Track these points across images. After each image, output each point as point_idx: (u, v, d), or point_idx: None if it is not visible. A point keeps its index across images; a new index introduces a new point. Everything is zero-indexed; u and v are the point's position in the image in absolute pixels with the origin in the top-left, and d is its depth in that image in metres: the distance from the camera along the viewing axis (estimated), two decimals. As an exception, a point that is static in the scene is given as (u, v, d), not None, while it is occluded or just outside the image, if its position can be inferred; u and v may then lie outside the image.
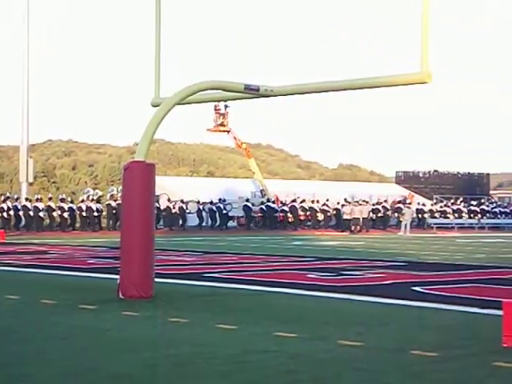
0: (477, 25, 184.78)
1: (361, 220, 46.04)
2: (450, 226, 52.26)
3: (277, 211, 47.51)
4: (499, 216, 57.98)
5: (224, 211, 46.61)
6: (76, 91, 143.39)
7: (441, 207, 55.98)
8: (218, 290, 13.27)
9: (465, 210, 56.52)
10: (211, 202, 46.73)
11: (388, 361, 7.35)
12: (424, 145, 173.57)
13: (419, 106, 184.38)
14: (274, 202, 48.57)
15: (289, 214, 47.70)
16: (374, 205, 50.76)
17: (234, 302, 11.83)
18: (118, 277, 12.27)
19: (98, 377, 6.67)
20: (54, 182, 74.75)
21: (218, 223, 46.05)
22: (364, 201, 48.61)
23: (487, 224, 54.34)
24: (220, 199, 47.22)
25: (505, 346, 7.99)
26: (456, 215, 54.93)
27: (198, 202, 46.53)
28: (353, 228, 45.40)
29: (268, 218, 47.45)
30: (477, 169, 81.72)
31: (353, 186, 62.39)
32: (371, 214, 49.09)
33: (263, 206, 47.62)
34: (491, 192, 72.43)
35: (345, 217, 46.46)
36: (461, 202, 57.62)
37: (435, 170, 67.62)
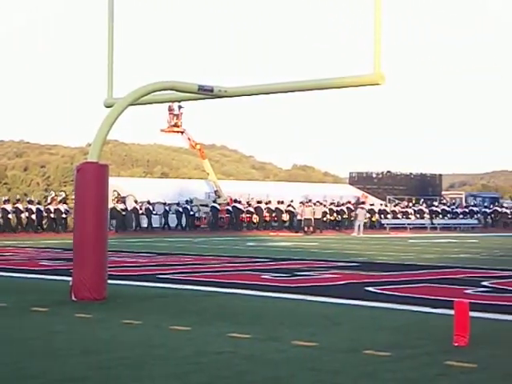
0: (430, 29, 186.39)
1: (313, 221, 46.16)
2: (402, 226, 52.66)
3: (243, 212, 47.64)
4: (461, 216, 58.65)
5: (191, 212, 46.70)
6: (28, 91, 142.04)
7: (402, 208, 56.51)
8: (171, 292, 13.23)
9: (426, 210, 57.27)
10: (178, 204, 46.78)
11: (341, 361, 7.38)
12: (377, 146, 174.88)
13: (373, 108, 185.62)
14: (235, 202, 48.59)
15: (254, 215, 47.98)
16: (338, 205, 51.34)
17: (187, 304, 11.80)
18: (70, 279, 12.18)
19: (50, 380, 6.60)
20: (5, 184, 73.90)
21: (184, 224, 46.18)
22: (318, 201, 48.82)
23: (439, 224, 54.88)
24: (187, 200, 47.34)
25: (456, 345, 8.08)
26: (418, 216, 55.62)
27: (165, 204, 46.57)
28: (306, 229, 45.54)
29: (234, 218, 47.66)
30: (429, 170, 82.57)
31: (307, 186, 62.60)
32: (337, 214, 49.65)
33: (229, 207, 47.78)
34: (443, 193, 73.13)
35: (298, 217, 46.65)
36: (422, 202, 58.28)
37: (388, 171, 68.09)
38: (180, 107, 49.53)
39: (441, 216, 57.45)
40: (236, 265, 19.21)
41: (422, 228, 53.00)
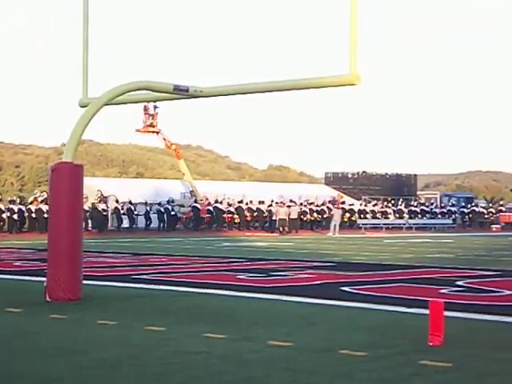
0: (403, 30, 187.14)
1: (287, 221, 46.20)
2: (378, 226, 52.85)
3: (224, 212, 47.68)
4: (439, 216, 59.03)
5: (172, 212, 46.66)
6: (1, 91, 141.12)
7: (382, 208, 56.83)
8: (147, 292, 13.19)
9: (405, 210, 57.71)
10: (159, 204, 46.75)
11: (317, 361, 7.39)
12: (353, 146, 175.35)
13: (348, 108, 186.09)
14: (217, 203, 48.65)
15: (235, 215, 48.08)
16: (318, 206, 51.54)
17: (163, 304, 11.76)
18: (45, 279, 12.11)
19: (25, 381, 6.56)
20: (-21, 184, 73.45)
21: (165, 225, 46.23)
22: (292, 201, 48.89)
23: (415, 224, 55.11)
24: (168, 201, 47.36)
25: (431, 344, 8.11)
26: (397, 216, 55.98)
27: (146, 204, 46.56)
28: (281, 229, 45.57)
29: (216, 218, 47.74)
30: (404, 170, 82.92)
31: (282, 186, 62.68)
32: (318, 214, 50.04)
33: (211, 208, 47.85)
34: (418, 193, 73.47)
35: (274, 218, 46.70)
36: (402, 202, 58.60)
37: (364, 171, 68.33)
38: (155, 107, 49.44)
39: (420, 216, 57.87)
40: (211, 265, 19.19)
41: (398, 228, 53.19)
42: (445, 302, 8.65)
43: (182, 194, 51.86)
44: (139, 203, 46.48)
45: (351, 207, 54.70)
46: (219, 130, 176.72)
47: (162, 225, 45.84)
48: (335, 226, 45.38)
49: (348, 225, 52.27)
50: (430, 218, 58.46)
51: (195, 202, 48.06)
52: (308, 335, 8.89)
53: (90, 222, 42.53)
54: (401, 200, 59.56)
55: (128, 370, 6.96)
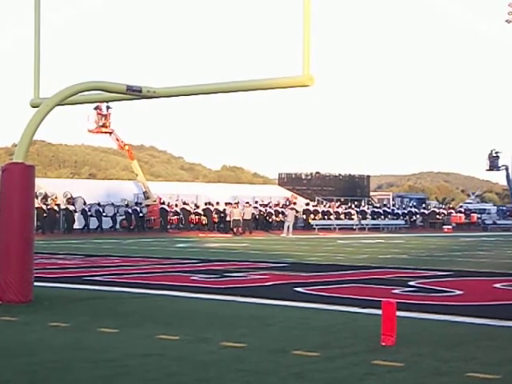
0: (360, 34, 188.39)
1: (241, 221, 46.22)
2: (331, 226, 53.08)
3: (191, 213, 47.58)
4: (402, 217, 59.57)
5: (140, 214, 46.60)
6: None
7: (345, 209, 57.22)
8: (100, 294, 13.10)
9: (369, 211, 58.25)
10: (126, 205, 46.65)
11: (270, 361, 7.40)
12: (306, 147, 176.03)
13: (302, 109, 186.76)
14: (184, 204, 48.59)
15: (203, 217, 48.12)
16: (272, 206, 51.82)
17: (116, 306, 11.70)
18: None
19: (-26, 384, 6.47)
20: None
21: (133, 226, 46.14)
22: (247, 202, 48.93)
23: (367, 225, 55.47)
24: (136, 202, 47.34)
25: (383, 344, 8.17)
26: (360, 216, 56.43)
27: (113, 205, 46.38)
28: (235, 230, 45.58)
29: (184, 219, 47.82)
30: (357, 171, 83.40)
31: (236, 187, 62.70)
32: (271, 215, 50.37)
33: (178, 209, 47.84)
34: (371, 194, 73.95)
35: (227, 218, 46.69)
36: (366, 203, 59.11)
37: (317, 172, 68.57)
38: (108, 107, 49.13)
39: (383, 217, 58.46)
40: (165, 266, 19.12)
41: (351, 229, 53.50)
42: (397, 303, 8.72)
43: (135, 195, 51.59)
44: (107, 204, 46.34)
45: (316, 208, 55.21)
46: (173, 130, 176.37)
47: (129, 226, 45.91)
48: (289, 226, 45.48)
49: (307, 225, 52.61)
50: (392, 219, 58.96)
51: (162, 203, 48.18)
52: (262, 336, 8.90)
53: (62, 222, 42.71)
54: (364, 200, 60.19)
55: (80, 372, 6.90)
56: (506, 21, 79.80)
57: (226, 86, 13.03)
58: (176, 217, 47.89)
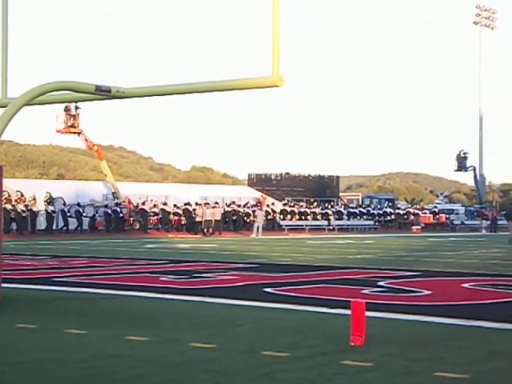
0: (330, 35, 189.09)
1: (213, 222, 46.23)
2: (301, 227, 53.19)
3: (170, 214, 47.52)
4: (374, 217, 59.90)
5: (120, 215, 46.48)
6: None
7: (322, 209, 57.46)
8: (68, 295, 13.02)
9: (345, 211, 58.58)
10: (106, 206, 46.48)
11: (240, 362, 7.39)
12: (276, 148, 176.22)
13: (272, 110, 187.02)
14: (164, 205, 48.48)
15: (182, 217, 48.10)
16: (241, 207, 51.90)
17: (84, 307, 11.63)
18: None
19: None
20: None
21: (113, 226, 46.04)
22: (216, 203, 48.92)
23: (337, 225, 55.64)
24: (116, 203, 47.28)
25: (352, 344, 8.19)
26: (337, 216, 56.75)
27: (92, 205, 46.30)
28: (205, 230, 45.56)
29: (163, 220, 47.73)
30: (327, 171, 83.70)
31: (206, 188, 62.64)
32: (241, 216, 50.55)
33: (156, 210, 47.78)
34: (341, 194, 74.19)
35: (197, 219, 46.63)
36: (341, 204, 59.38)
37: (287, 173, 68.68)
38: (77, 108, 48.90)
39: (358, 217, 58.77)
40: (134, 267, 19.05)
41: (320, 229, 53.63)
42: (366, 303, 8.75)
43: (104, 196, 51.37)
44: (88, 205, 46.25)
45: (293, 209, 55.52)
46: (142, 131, 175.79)
47: (109, 226, 45.92)
48: (258, 227, 45.53)
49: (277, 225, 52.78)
50: (368, 220, 59.29)
51: (142, 203, 48.08)
52: (231, 337, 8.89)
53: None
54: (339, 201, 60.52)
55: (48, 373, 6.85)
56: (474, 22, 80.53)
57: (196, 86, 13.00)
58: (156, 217, 47.92)
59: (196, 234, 45.45)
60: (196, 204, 48.41)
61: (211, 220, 46.03)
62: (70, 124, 50.02)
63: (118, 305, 11.90)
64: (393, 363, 7.36)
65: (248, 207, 52.39)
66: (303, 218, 55.47)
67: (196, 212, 47.08)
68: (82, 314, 10.71)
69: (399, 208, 65.83)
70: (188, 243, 34.21)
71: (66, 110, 48.99)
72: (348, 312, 8.78)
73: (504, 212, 41.45)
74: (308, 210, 56.49)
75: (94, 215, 45.97)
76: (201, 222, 46.12)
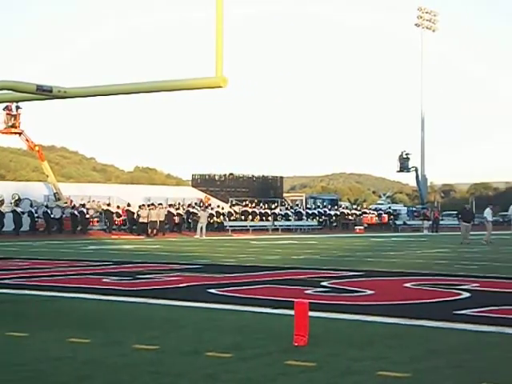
0: (270, 38, 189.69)
1: (158, 223, 46.11)
2: (244, 228, 53.25)
3: (139, 216, 47.32)
4: (317, 218, 60.29)
5: (86, 216, 46.37)
6: None
7: (264, 209, 57.62)
8: (8, 297, 12.85)
9: (290, 212, 58.85)
10: (73, 207, 46.18)
11: (183, 363, 7.37)
12: (220, 148, 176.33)
13: (215, 110, 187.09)
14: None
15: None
16: (185, 208, 52.02)
17: (25, 309, 11.49)
18: None
19: None
20: None
21: (79, 227, 45.90)
22: (160, 204, 48.79)
23: (281, 226, 55.83)
24: (82, 204, 47.17)
25: (296, 344, 8.22)
26: (283, 218, 57.06)
27: (59, 206, 46.05)
28: (149, 231, 45.39)
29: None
30: (271, 172, 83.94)
31: (150, 189, 62.38)
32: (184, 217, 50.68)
33: (119, 211, 47.73)
34: (284, 195, 74.45)
35: (141, 220, 46.40)
36: (286, 205, 59.70)
37: (231, 174, 68.72)
38: (18, 107, 48.34)
39: (305, 218, 59.15)
40: (76, 268, 18.88)
41: (264, 230, 53.76)
42: (310, 303, 8.79)
43: (46, 197, 50.83)
44: (56, 206, 45.91)
45: (245, 209, 55.72)
46: (84, 131, 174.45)
47: (75, 227, 45.92)
48: (202, 228, 45.48)
49: (218, 226, 52.77)
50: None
51: (107, 205, 47.95)
52: (175, 338, 8.86)
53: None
54: (283, 202, 60.80)
55: (-12, 377, 6.76)
56: (416, 24, 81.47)
57: (139, 86, 12.93)
58: (120, 218, 48.02)
59: (139, 235, 45.23)
60: (142, 205, 48.21)
61: (156, 221, 45.91)
62: (10, 124, 49.41)
63: (59, 307, 11.78)
64: (336, 363, 7.41)
65: (192, 207, 52.31)
66: (247, 218, 55.60)
67: (140, 213, 46.86)
68: (23, 317, 10.57)
69: (346, 208, 66.38)
70: (131, 244, 34.03)
71: (7, 109, 48.38)
72: (291, 312, 8.81)
73: (456, 212, 42.04)
74: (257, 210, 56.71)
75: (62, 216, 45.82)
76: (145, 223, 45.94)
